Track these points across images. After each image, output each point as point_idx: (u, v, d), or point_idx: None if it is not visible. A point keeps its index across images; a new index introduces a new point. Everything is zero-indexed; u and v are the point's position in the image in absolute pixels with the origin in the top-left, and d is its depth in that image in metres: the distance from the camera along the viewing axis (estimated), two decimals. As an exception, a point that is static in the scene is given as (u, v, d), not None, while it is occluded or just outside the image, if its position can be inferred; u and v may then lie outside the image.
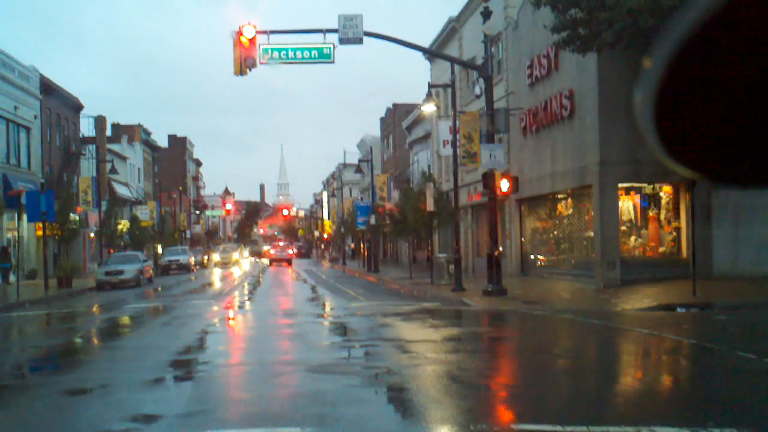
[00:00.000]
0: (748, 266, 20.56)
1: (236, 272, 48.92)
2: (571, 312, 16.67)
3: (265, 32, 19.84)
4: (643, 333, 13.17)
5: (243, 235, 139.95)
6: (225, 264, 64.41)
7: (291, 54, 19.94)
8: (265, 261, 72.52)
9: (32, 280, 35.80)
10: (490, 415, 7.53)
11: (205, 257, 66.48)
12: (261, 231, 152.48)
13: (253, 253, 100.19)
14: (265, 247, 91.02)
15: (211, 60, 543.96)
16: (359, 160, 55.45)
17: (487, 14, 21.46)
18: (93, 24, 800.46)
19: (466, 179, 32.41)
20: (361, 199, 61.41)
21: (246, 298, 26.29)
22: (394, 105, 59.82)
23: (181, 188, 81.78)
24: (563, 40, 19.54)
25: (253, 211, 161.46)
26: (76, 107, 48.71)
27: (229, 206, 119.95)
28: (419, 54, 31.49)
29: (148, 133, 69.50)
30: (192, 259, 53.52)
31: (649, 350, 12.05)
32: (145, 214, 57.09)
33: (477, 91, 24.51)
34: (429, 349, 11.59)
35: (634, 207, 22.71)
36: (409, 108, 53.35)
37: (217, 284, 35.77)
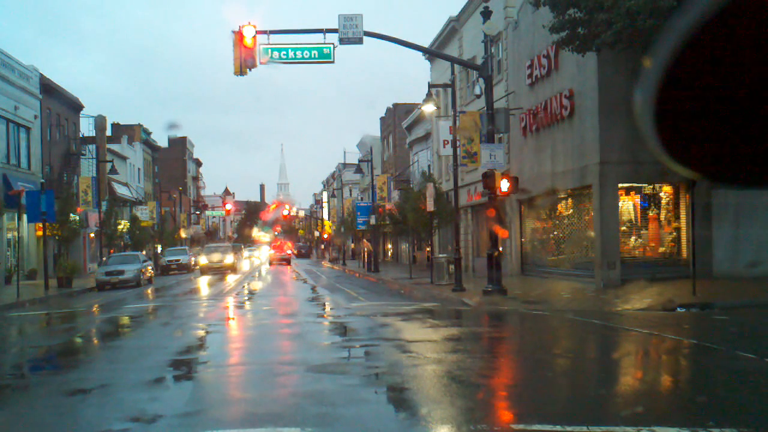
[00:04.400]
0: (748, 266, 20.56)
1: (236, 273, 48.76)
2: (571, 312, 16.67)
3: (265, 32, 19.83)
4: (643, 333, 13.17)
5: (243, 235, 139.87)
6: (215, 269, 46.86)
7: (291, 54, 19.94)
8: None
9: (32, 280, 35.81)
10: (490, 415, 7.53)
11: (192, 259, 53.12)
12: (263, 235, 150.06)
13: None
14: (271, 251, 77.50)
15: (212, 58, 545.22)
16: (359, 160, 55.47)
17: (487, 14, 21.46)
18: (94, 21, 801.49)
19: (466, 179, 32.41)
20: (361, 199, 61.41)
21: (246, 298, 26.27)
22: (394, 105, 59.80)
23: (181, 188, 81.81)
24: (562, 39, 19.54)
25: (253, 211, 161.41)
26: (76, 107, 48.72)
27: (229, 206, 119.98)
28: (419, 54, 31.48)
29: (148, 133, 69.50)
30: (192, 259, 53.43)
31: (649, 350, 12.04)
32: (145, 214, 57.11)
33: (477, 91, 24.49)
34: (429, 349, 11.59)
35: (634, 207, 22.70)
36: (409, 108, 53.37)
37: (218, 284, 35.73)
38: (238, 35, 19.28)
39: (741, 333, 13.18)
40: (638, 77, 1.18)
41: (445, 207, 30.65)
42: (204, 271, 46.51)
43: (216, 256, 47.98)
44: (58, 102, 44.32)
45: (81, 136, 49.20)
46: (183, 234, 74.08)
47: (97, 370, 11.05)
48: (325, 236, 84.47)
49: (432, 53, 35.57)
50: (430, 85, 28.69)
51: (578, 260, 24.22)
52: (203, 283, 37.32)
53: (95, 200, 43.25)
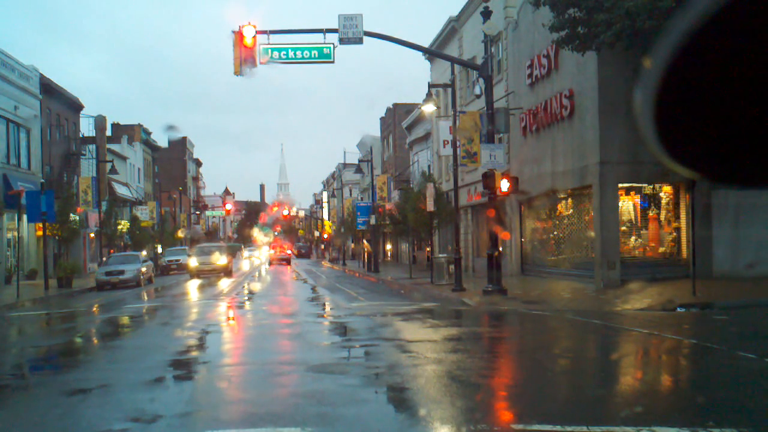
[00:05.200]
0: (748, 266, 20.55)
1: (235, 273, 48.72)
2: (571, 312, 16.67)
3: (265, 32, 19.83)
4: (643, 333, 13.17)
5: (243, 235, 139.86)
6: (206, 272, 41.34)
7: (291, 54, 19.93)
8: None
9: (32, 280, 35.81)
10: (490, 415, 7.53)
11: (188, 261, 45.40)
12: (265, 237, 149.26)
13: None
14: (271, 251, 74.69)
15: (212, 58, 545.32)
16: (359, 160, 55.46)
17: (487, 14, 21.46)
18: (94, 21, 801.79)
19: (466, 179, 32.41)
20: (361, 199, 61.41)
21: (246, 298, 26.27)
22: (394, 105, 59.81)
23: (181, 188, 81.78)
24: (562, 38, 19.54)
25: (253, 211, 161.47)
26: (76, 107, 48.73)
27: (229, 206, 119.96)
28: (419, 54, 31.46)
29: (148, 133, 69.51)
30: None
31: (649, 350, 12.05)
32: (145, 214, 57.13)
33: (477, 91, 24.48)
34: (429, 348, 11.59)
35: (634, 207, 22.70)
36: (409, 108, 53.37)
37: (218, 285, 35.72)
38: (238, 35, 19.28)
39: (741, 333, 13.18)
40: (638, 77, 1.18)
41: (445, 207, 30.65)
42: (194, 274, 41.21)
43: (207, 258, 42.72)
44: (58, 102, 44.32)
45: (81, 136, 49.22)
46: (182, 234, 74.07)
47: (97, 370, 11.06)
48: (325, 236, 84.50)
49: (432, 53, 35.56)
50: (430, 85, 28.68)
51: (578, 260, 24.22)
52: (203, 283, 37.30)
53: (95, 200, 43.27)
